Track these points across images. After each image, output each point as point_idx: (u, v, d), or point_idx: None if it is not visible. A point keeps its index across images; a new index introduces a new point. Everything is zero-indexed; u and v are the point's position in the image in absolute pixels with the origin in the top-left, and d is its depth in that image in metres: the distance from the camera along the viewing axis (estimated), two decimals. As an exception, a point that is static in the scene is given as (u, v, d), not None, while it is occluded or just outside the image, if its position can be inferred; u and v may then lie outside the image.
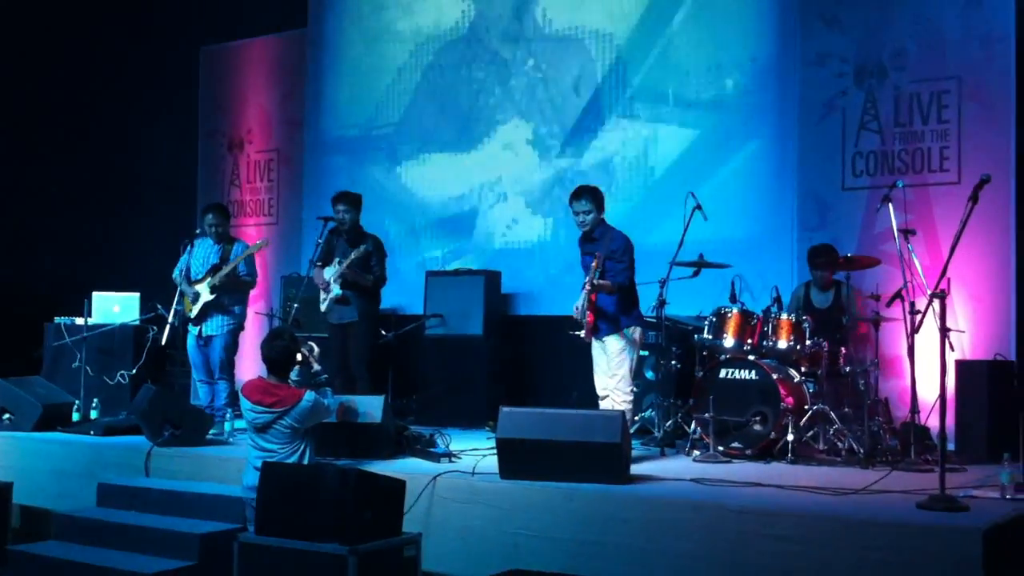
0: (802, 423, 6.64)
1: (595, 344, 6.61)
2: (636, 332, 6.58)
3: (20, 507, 7.15)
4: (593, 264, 6.38)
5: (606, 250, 6.45)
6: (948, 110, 7.50)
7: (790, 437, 6.50)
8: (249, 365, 8.52)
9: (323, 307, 7.80)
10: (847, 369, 6.90)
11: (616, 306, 6.50)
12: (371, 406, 6.58)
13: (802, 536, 4.69)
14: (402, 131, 10.01)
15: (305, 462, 5.86)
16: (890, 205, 6.52)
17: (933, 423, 6.21)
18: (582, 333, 6.47)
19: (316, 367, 6.35)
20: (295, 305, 7.60)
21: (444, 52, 9.81)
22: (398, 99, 10.06)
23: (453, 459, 6.30)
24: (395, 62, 10.07)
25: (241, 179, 11.16)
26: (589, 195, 6.66)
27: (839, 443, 6.65)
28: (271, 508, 5.22)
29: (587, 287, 6.38)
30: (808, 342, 6.85)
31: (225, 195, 11.02)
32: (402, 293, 9.20)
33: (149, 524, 6.07)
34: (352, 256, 7.58)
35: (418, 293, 9.16)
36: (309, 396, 5.85)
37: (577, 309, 6.42)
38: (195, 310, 7.91)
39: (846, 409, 6.77)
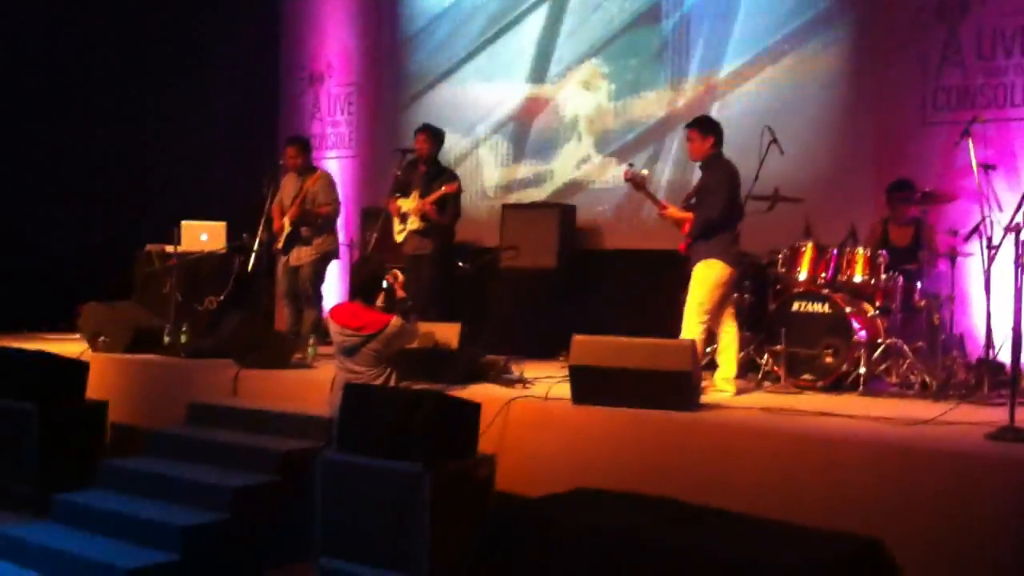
0: (875, 356, 6.65)
1: None
2: (717, 267, 6.38)
3: (112, 424, 7.51)
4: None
5: (703, 183, 6.54)
6: (1033, 44, 7.33)
7: (862, 370, 6.53)
8: (336, 294, 8.73)
9: (399, 238, 7.98)
10: (922, 304, 6.87)
11: (704, 236, 6.46)
12: (448, 333, 6.76)
13: (868, 465, 4.74)
14: (477, 64, 10.07)
15: (391, 385, 6.07)
16: (970, 140, 6.43)
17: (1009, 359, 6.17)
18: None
19: (401, 294, 6.55)
20: (374, 235, 7.78)
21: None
22: (473, 36, 10.12)
23: (527, 385, 6.46)
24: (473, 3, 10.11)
25: (322, 112, 11.33)
26: (696, 124, 6.67)
27: (912, 377, 6.65)
28: (352, 427, 5.44)
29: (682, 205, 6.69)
30: (883, 276, 6.84)
31: (306, 128, 11.21)
32: (475, 223, 9.33)
33: (235, 441, 6.37)
34: (439, 191, 7.74)
35: (490, 223, 9.30)
36: (395, 321, 6.06)
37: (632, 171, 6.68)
38: (281, 240, 8.18)
39: (920, 344, 6.76)
